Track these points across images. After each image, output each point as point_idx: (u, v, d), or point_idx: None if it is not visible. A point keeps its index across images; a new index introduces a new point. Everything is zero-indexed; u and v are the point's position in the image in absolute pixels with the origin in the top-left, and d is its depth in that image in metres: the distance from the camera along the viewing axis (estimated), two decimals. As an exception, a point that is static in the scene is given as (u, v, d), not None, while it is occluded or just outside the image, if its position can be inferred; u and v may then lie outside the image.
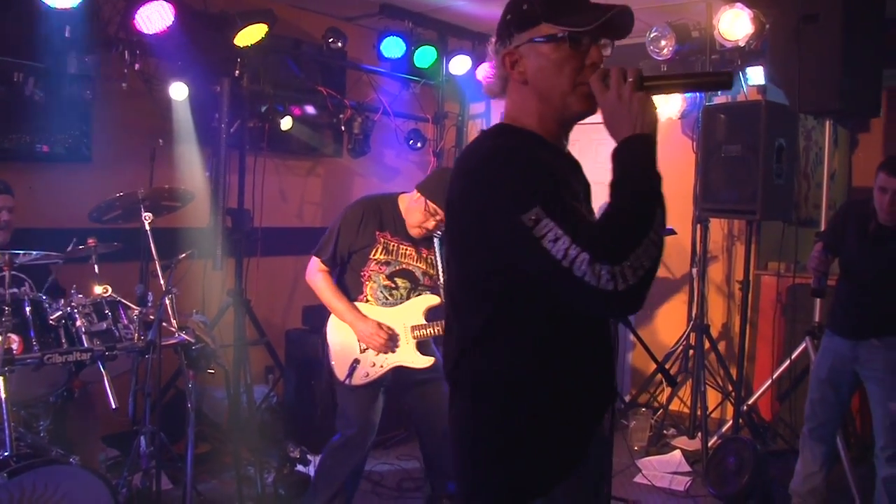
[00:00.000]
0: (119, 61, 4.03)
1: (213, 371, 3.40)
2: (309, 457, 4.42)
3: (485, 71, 1.76)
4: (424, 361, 3.44)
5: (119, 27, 3.97)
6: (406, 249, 3.45)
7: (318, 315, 4.95)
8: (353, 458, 3.45)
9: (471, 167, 1.65)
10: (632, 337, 5.38)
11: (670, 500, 4.37)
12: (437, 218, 3.33)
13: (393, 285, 3.45)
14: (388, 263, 3.42)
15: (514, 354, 1.65)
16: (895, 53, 4.71)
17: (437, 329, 3.43)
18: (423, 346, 3.47)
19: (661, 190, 1.52)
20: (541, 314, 1.62)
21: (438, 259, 3.51)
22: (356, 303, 3.43)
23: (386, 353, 3.38)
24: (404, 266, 3.45)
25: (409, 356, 3.42)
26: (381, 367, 3.40)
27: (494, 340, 1.67)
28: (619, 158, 1.55)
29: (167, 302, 3.22)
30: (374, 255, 3.40)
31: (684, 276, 5.77)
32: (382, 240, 3.41)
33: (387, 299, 3.44)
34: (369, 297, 3.43)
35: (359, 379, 3.37)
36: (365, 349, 3.38)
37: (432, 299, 3.49)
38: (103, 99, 4.16)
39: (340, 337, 3.43)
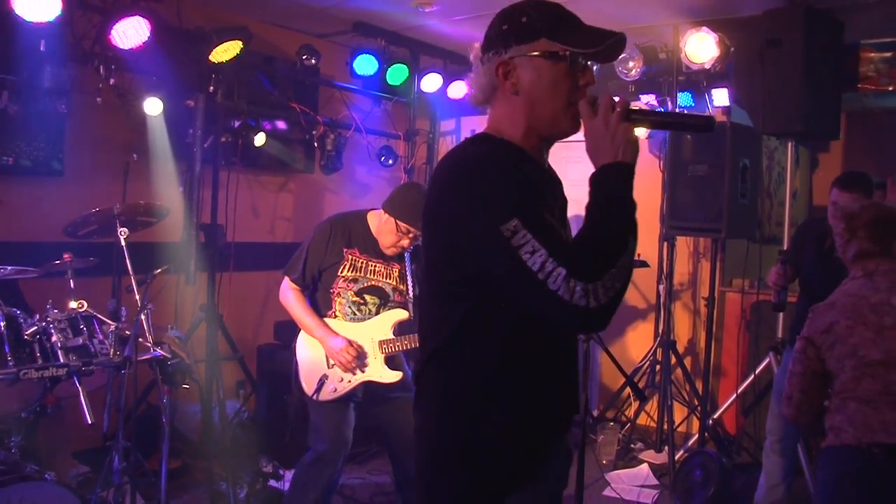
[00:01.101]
0: (94, 76, 4.02)
1: (187, 386, 3.41)
2: (281, 472, 4.43)
3: (469, 78, 1.80)
4: (393, 376, 3.45)
5: (94, 42, 3.97)
6: (375, 266, 3.47)
7: (289, 330, 4.95)
8: (326, 474, 3.44)
9: (452, 174, 1.69)
10: (600, 352, 5.48)
11: (639, 513, 4.44)
12: (410, 236, 3.36)
13: (361, 301, 3.46)
14: (355, 280, 3.43)
15: (477, 364, 1.70)
16: (853, 78, 4.90)
17: (405, 343, 3.44)
18: (391, 361, 3.48)
19: (636, 219, 1.58)
20: (507, 327, 1.67)
21: (408, 274, 3.53)
22: (325, 318, 3.44)
23: (354, 370, 3.39)
24: (373, 283, 3.47)
25: (378, 371, 3.44)
26: (350, 382, 3.41)
27: (460, 349, 1.71)
28: (599, 184, 1.60)
29: (143, 317, 3.21)
30: (341, 273, 3.41)
31: (651, 292, 5.87)
32: (350, 257, 3.42)
33: (355, 314, 3.45)
34: (338, 313, 3.45)
35: (326, 394, 3.39)
36: (333, 365, 3.40)
37: (401, 314, 3.50)
38: (77, 113, 4.15)
39: (309, 352, 3.45)
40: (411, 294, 3.54)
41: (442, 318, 1.75)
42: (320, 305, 3.48)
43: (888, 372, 2.34)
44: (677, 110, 5.22)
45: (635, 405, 5.64)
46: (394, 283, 3.51)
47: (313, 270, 3.43)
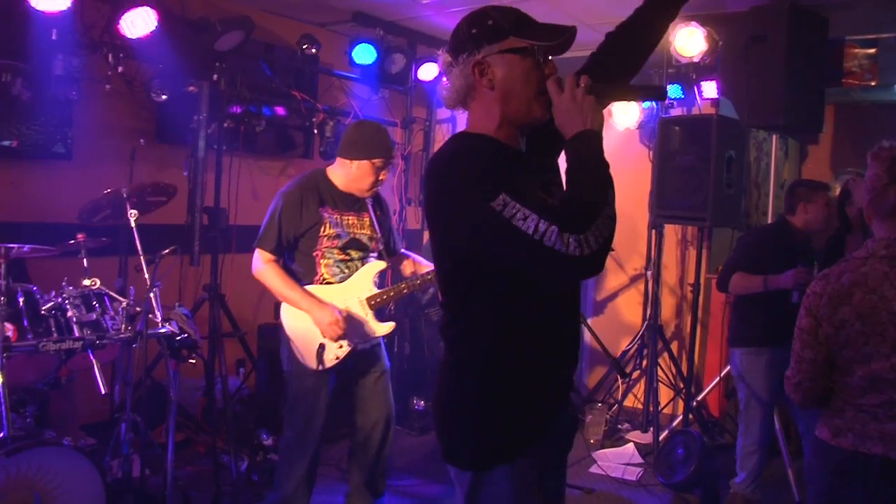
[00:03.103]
0: (103, 63, 4.17)
1: (194, 361, 3.56)
2: (280, 446, 4.61)
3: (441, 85, 1.97)
4: (385, 328, 3.49)
5: (103, 31, 4.11)
6: (349, 219, 3.46)
7: (289, 310, 5.14)
8: (308, 450, 3.47)
9: (438, 170, 1.88)
10: (588, 335, 5.66)
11: (623, 489, 4.61)
12: (386, 169, 3.38)
13: (347, 257, 3.46)
14: (338, 236, 3.41)
15: (488, 333, 1.88)
16: (837, 73, 5.05)
17: (390, 294, 3.46)
18: (379, 314, 3.49)
19: (610, 174, 1.78)
20: (513, 296, 1.85)
21: (375, 221, 3.53)
22: (311, 286, 3.41)
23: (350, 331, 3.36)
24: (353, 236, 3.46)
25: (371, 328, 3.46)
26: (348, 344, 3.40)
27: (473, 319, 1.91)
28: (574, 148, 1.80)
29: (152, 295, 3.37)
30: (324, 232, 3.39)
31: (639, 278, 6.05)
32: (327, 215, 3.40)
33: (343, 273, 3.44)
34: (325, 276, 3.42)
35: (330, 362, 3.38)
36: None
37: (379, 265, 3.52)
38: (86, 100, 4.28)
39: (299, 324, 3.39)
40: (382, 241, 3.57)
41: (452, 294, 1.96)
42: (303, 274, 3.44)
43: None
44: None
45: (623, 387, 5.83)
46: (368, 232, 3.51)
47: (289, 237, 3.38)
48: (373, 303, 3.47)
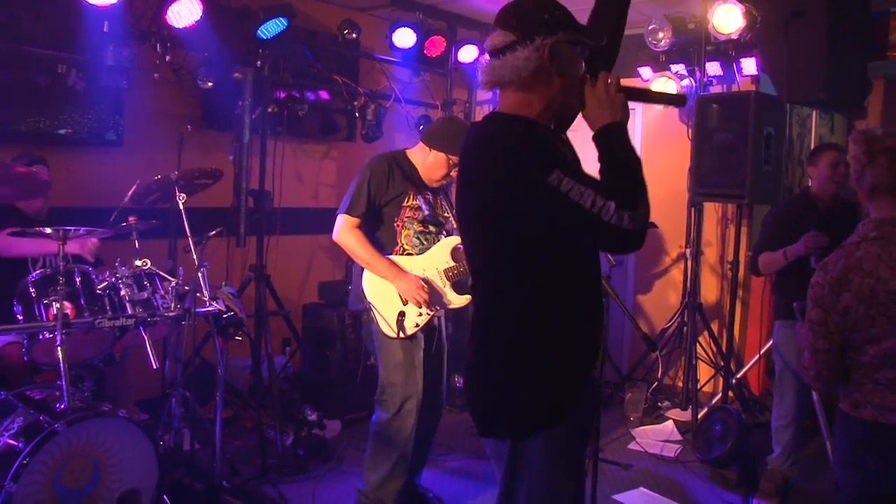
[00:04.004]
0: (151, 53, 4.33)
1: (240, 338, 3.71)
2: (325, 421, 4.75)
3: (489, 62, 2.00)
4: (462, 300, 3.59)
5: (151, 22, 4.27)
6: (427, 196, 3.59)
7: (333, 290, 5.28)
8: (406, 428, 3.48)
9: (484, 148, 1.97)
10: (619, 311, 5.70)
11: (660, 465, 4.66)
12: (457, 167, 3.53)
13: (426, 230, 3.57)
14: (420, 209, 3.53)
15: (523, 303, 1.97)
16: (882, 46, 4.98)
17: (467, 267, 3.61)
18: (458, 286, 3.60)
19: (641, 163, 1.92)
20: (548, 267, 1.95)
21: (445, 203, 3.67)
22: (392, 256, 3.51)
23: (428, 304, 3.47)
24: (432, 211, 3.59)
25: (448, 298, 3.58)
26: (428, 312, 3.49)
27: (506, 293, 2.00)
28: (607, 137, 1.93)
29: (199, 275, 3.52)
30: (407, 203, 3.50)
31: (679, 256, 6.06)
32: (411, 188, 3.53)
33: (422, 244, 3.55)
34: (405, 246, 3.53)
35: (410, 329, 3.47)
36: (408, 301, 3.48)
37: (455, 239, 3.60)
38: (136, 88, 4.45)
39: (382, 293, 3.47)
40: (454, 221, 3.67)
41: (488, 271, 2.06)
42: (384, 243, 3.53)
43: None
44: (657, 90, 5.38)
45: (662, 365, 5.86)
46: (442, 211, 3.65)
47: (375, 205, 3.47)
48: (450, 274, 3.59)
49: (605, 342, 2.24)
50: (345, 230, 3.46)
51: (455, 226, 3.65)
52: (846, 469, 2.49)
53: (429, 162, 3.54)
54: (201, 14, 4.17)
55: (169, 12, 4.12)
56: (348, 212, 3.45)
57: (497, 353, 2.02)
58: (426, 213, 3.56)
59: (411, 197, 3.53)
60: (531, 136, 1.91)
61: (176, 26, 4.18)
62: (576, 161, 2.03)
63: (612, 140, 1.92)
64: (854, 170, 2.40)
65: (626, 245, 1.88)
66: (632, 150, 1.93)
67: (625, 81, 2.02)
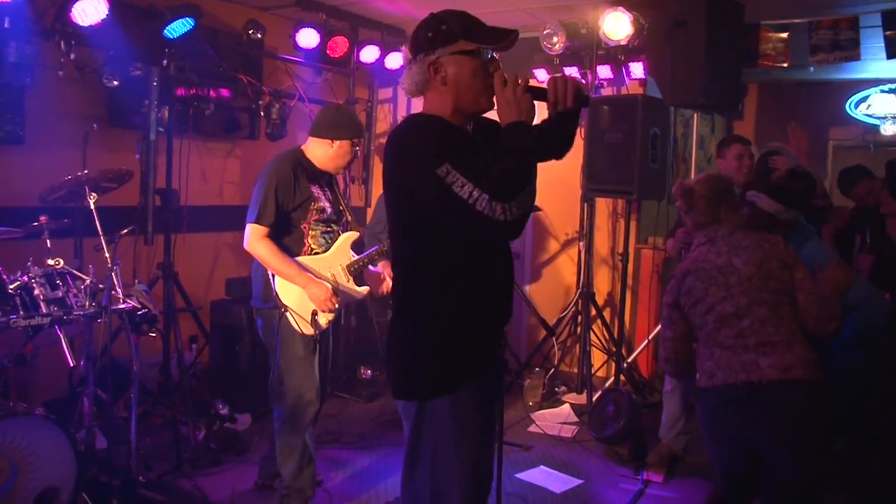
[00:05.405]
0: (56, 51, 4.28)
1: (154, 335, 3.77)
2: (235, 415, 4.83)
3: (403, 77, 2.32)
4: (362, 291, 3.83)
5: (55, 19, 4.21)
6: (327, 194, 3.70)
7: (240, 286, 5.33)
8: (308, 416, 3.65)
9: (394, 144, 2.22)
10: (525, 307, 5.98)
11: (559, 445, 4.95)
12: (358, 147, 3.72)
13: (330, 230, 3.71)
14: (323, 210, 3.65)
15: (430, 282, 2.24)
16: (754, 55, 5.42)
17: (364, 260, 3.79)
18: (357, 279, 3.81)
19: (535, 158, 2.16)
20: (450, 251, 2.21)
21: (340, 194, 3.85)
22: (301, 257, 3.61)
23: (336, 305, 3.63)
24: (333, 208, 3.72)
25: (351, 292, 3.78)
26: (335, 307, 3.66)
27: (417, 270, 2.25)
28: (509, 135, 2.15)
29: (114, 273, 3.55)
30: (314, 206, 3.62)
31: (573, 249, 6.38)
32: (316, 190, 3.63)
33: (328, 243, 3.69)
34: (313, 247, 3.64)
35: (324, 324, 3.64)
36: None
37: (353, 235, 3.80)
38: (40, 86, 4.39)
39: (294, 295, 3.57)
40: (349, 212, 3.88)
41: (401, 251, 2.31)
42: (291, 246, 3.60)
43: (740, 321, 2.81)
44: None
45: (559, 353, 6.18)
46: (339, 206, 3.80)
47: (282, 212, 3.54)
48: (352, 269, 3.78)
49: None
50: (255, 240, 3.51)
51: (350, 218, 3.88)
52: (713, 438, 2.93)
53: (333, 152, 3.66)
54: (107, 12, 4.16)
55: (74, 10, 4.08)
56: (258, 221, 3.50)
57: (405, 325, 2.30)
58: (328, 212, 3.70)
59: (317, 200, 3.65)
60: (430, 132, 2.17)
61: (81, 24, 4.15)
62: (486, 156, 2.25)
63: (508, 137, 2.15)
64: (682, 210, 3.13)
65: (498, 233, 2.11)
66: (524, 147, 2.12)
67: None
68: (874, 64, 6.07)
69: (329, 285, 3.61)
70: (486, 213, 2.01)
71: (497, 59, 2.27)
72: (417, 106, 7.09)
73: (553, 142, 2.47)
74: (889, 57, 4.91)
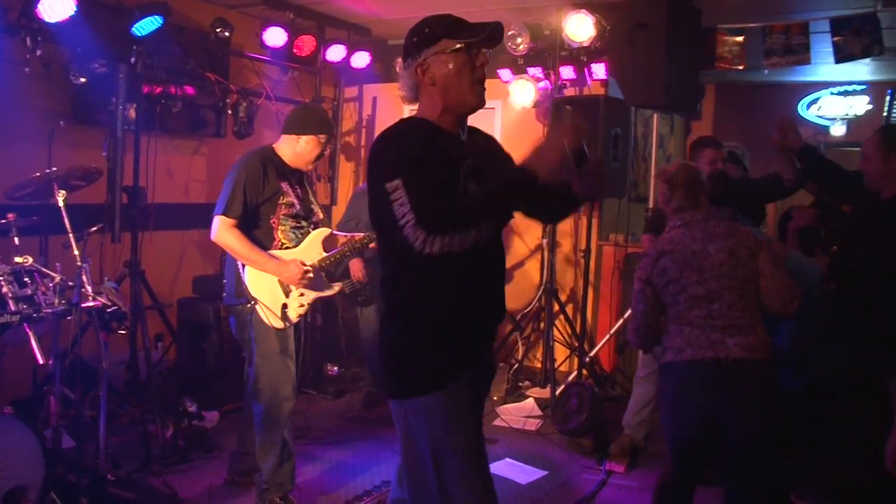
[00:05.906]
0: (21, 47, 4.25)
1: (123, 332, 3.78)
2: (203, 413, 4.84)
3: (399, 86, 2.43)
4: (334, 288, 3.89)
5: (20, 14, 4.17)
6: (296, 190, 3.75)
7: (207, 284, 5.36)
8: (286, 411, 3.69)
9: (372, 146, 2.30)
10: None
11: (524, 438, 5.06)
12: (330, 144, 3.78)
13: (299, 225, 3.75)
14: (292, 205, 3.69)
15: (415, 283, 2.29)
16: (711, 58, 5.57)
17: (336, 256, 3.82)
18: (330, 275, 3.87)
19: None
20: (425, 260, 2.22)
21: (311, 191, 3.91)
22: (271, 251, 3.65)
23: (308, 287, 3.69)
24: (303, 205, 3.77)
25: (324, 287, 3.83)
26: (306, 302, 3.72)
27: (402, 272, 2.32)
28: (501, 177, 2.23)
29: (83, 271, 3.56)
30: (282, 201, 3.66)
31: (537, 246, 6.48)
32: (285, 186, 3.68)
33: (298, 238, 3.73)
34: (283, 241, 3.68)
35: (294, 317, 3.69)
36: (290, 291, 3.67)
37: (324, 231, 3.84)
38: (5, 82, 4.36)
39: (264, 288, 3.62)
40: (321, 209, 3.93)
41: (387, 250, 2.37)
42: (261, 239, 3.64)
43: (710, 303, 3.02)
44: None
45: (522, 348, 6.28)
46: (310, 203, 3.85)
47: (251, 205, 3.58)
48: (324, 264, 3.81)
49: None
50: (223, 230, 3.54)
51: (322, 216, 3.92)
52: (675, 411, 3.11)
53: (300, 148, 3.72)
54: (75, 9, 4.14)
55: (40, 6, 4.05)
56: (225, 213, 3.54)
57: (389, 327, 2.37)
58: (298, 208, 3.74)
59: (286, 195, 3.69)
60: (402, 143, 2.24)
61: (48, 20, 4.13)
62: (474, 162, 2.31)
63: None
64: (663, 196, 3.27)
65: (415, 257, 2.11)
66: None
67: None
68: (824, 67, 6.28)
69: (299, 261, 3.65)
70: (408, 236, 2.07)
71: (484, 53, 2.33)
72: (383, 105, 7.20)
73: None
74: (837, 61, 5.10)
